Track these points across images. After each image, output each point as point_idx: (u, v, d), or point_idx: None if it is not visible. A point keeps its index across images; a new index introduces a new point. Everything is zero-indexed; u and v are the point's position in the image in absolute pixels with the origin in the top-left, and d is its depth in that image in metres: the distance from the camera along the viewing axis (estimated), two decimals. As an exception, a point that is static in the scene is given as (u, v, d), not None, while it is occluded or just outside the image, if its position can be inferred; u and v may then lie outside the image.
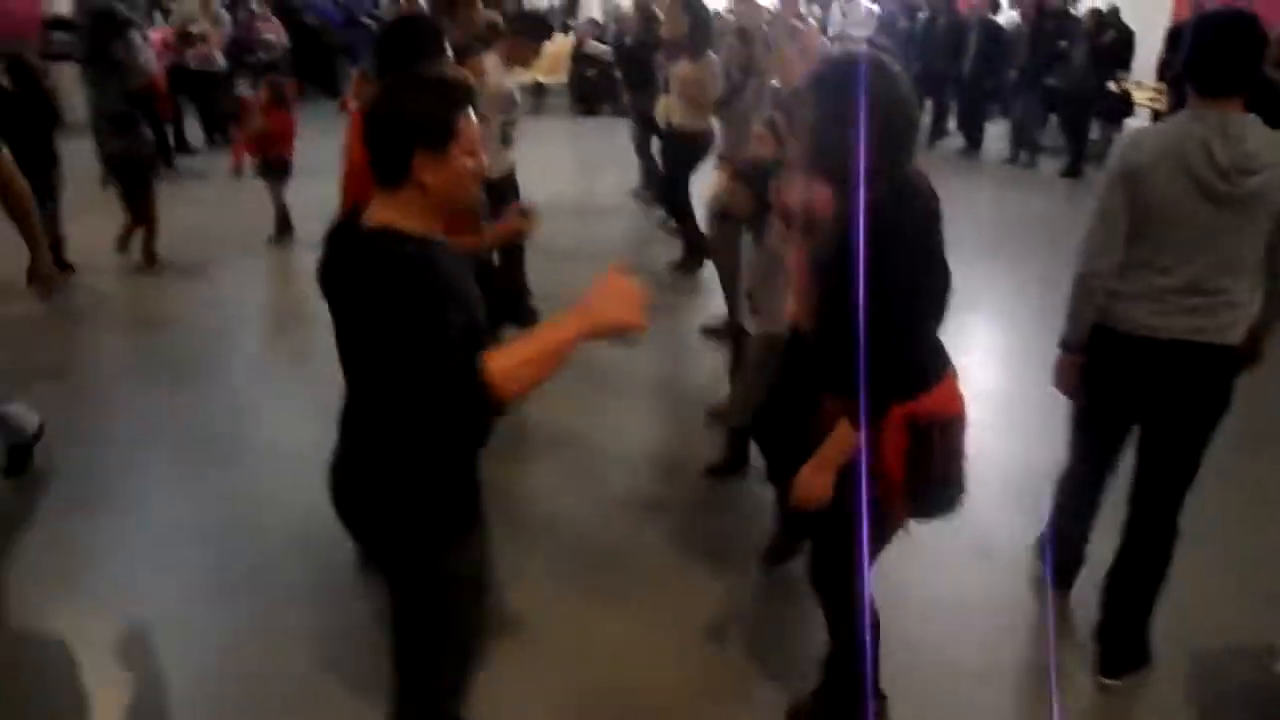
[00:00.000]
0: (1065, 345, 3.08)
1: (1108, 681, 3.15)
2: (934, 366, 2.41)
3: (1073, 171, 10.86)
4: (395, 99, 2.01)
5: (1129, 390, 3.03)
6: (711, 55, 6.51)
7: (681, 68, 6.63)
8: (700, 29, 6.56)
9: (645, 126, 8.92)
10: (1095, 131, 11.50)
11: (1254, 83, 2.76)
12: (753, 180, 3.92)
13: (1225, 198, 2.72)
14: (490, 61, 5.09)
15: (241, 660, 3.23)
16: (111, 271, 7.06)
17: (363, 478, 2.15)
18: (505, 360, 1.89)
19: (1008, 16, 13.21)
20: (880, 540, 2.56)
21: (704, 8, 6.83)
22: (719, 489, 4.31)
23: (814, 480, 2.41)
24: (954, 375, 2.46)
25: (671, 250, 7.44)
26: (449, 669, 2.33)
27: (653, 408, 5.19)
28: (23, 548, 3.84)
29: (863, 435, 2.34)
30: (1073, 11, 12.24)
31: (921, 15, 13.79)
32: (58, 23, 11.02)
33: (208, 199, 9.18)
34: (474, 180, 2.07)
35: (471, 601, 2.31)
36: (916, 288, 2.29)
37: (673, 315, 6.29)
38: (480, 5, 5.65)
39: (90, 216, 7.43)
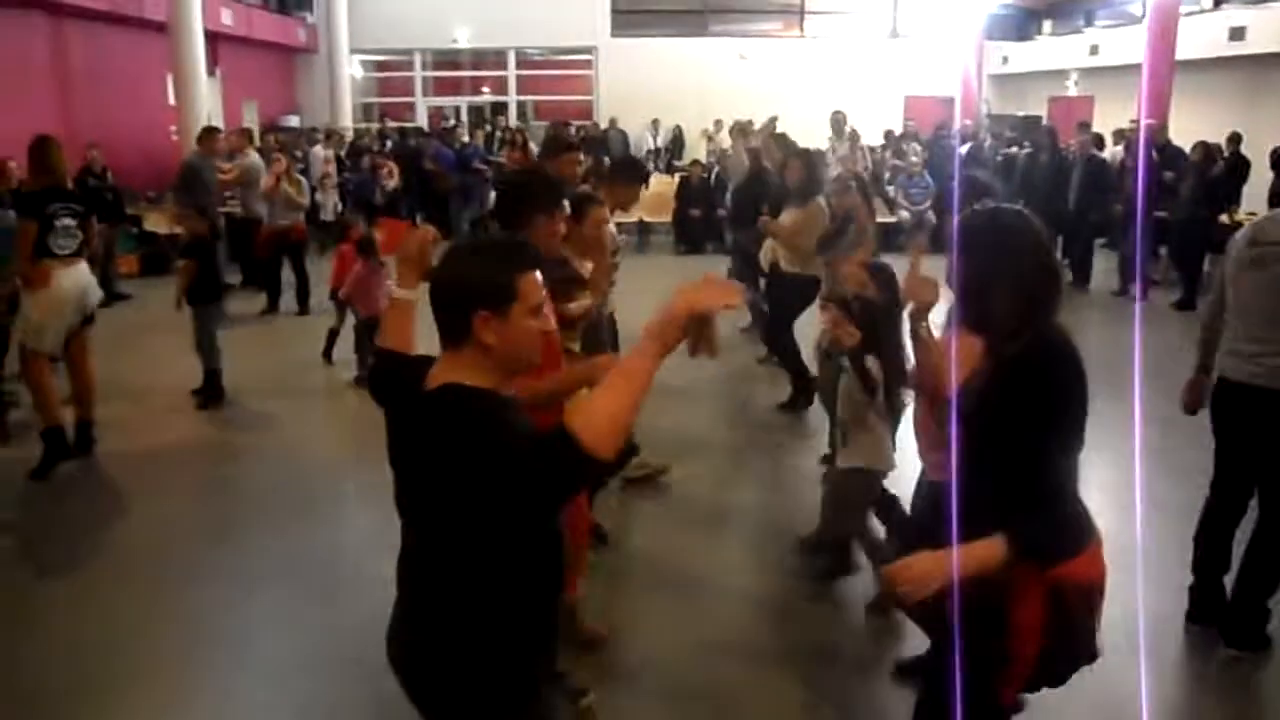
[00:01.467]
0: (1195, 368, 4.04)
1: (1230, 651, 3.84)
2: (1082, 530, 2.35)
3: (1186, 304, 10.62)
4: (456, 262, 2.07)
5: (1222, 425, 3.90)
6: (819, 202, 6.65)
7: (790, 214, 6.78)
8: (813, 179, 6.75)
9: (749, 265, 9.06)
10: (1208, 264, 11.28)
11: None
12: (855, 314, 3.99)
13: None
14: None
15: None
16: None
17: (427, 641, 2.12)
18: (588, 413, 1.82)
19: (1111, 152, 13.21)
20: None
21: (818, 158, 7.07)
22: (822, 630, 4.25)
23: (932, 569, 2.23)
24: (1099, 543, 2.39)
25: (777, 390, 7.47)
26: None
27: (757, 546, 5.13)
28: (137, 682, 3.95)
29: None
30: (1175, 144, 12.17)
31: (1022, 150, 13.86)
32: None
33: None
34: (539, 341, 2.08)
35: None
36: (1066, 445, 2.26)
37: (779, 454, 6.29)
38: (579, 155, 5.90)
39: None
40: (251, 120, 18.53)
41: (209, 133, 10.71)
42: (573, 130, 15.14)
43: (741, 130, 10.14)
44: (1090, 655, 2.40)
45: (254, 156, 11.19)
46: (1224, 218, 11.24)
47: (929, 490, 3.17)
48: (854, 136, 13.37)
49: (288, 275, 10.52)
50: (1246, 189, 12.06)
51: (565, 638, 4.11)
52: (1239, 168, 11.86)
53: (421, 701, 2.17)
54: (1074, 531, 2.32)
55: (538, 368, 2.13)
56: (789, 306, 7.08)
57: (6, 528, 5.40)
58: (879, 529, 4.56)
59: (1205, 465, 4.12)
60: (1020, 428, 2.18)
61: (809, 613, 4.42)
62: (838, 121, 12.99)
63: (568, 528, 3.90)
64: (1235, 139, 11.99)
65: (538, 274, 2.07)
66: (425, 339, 2.20)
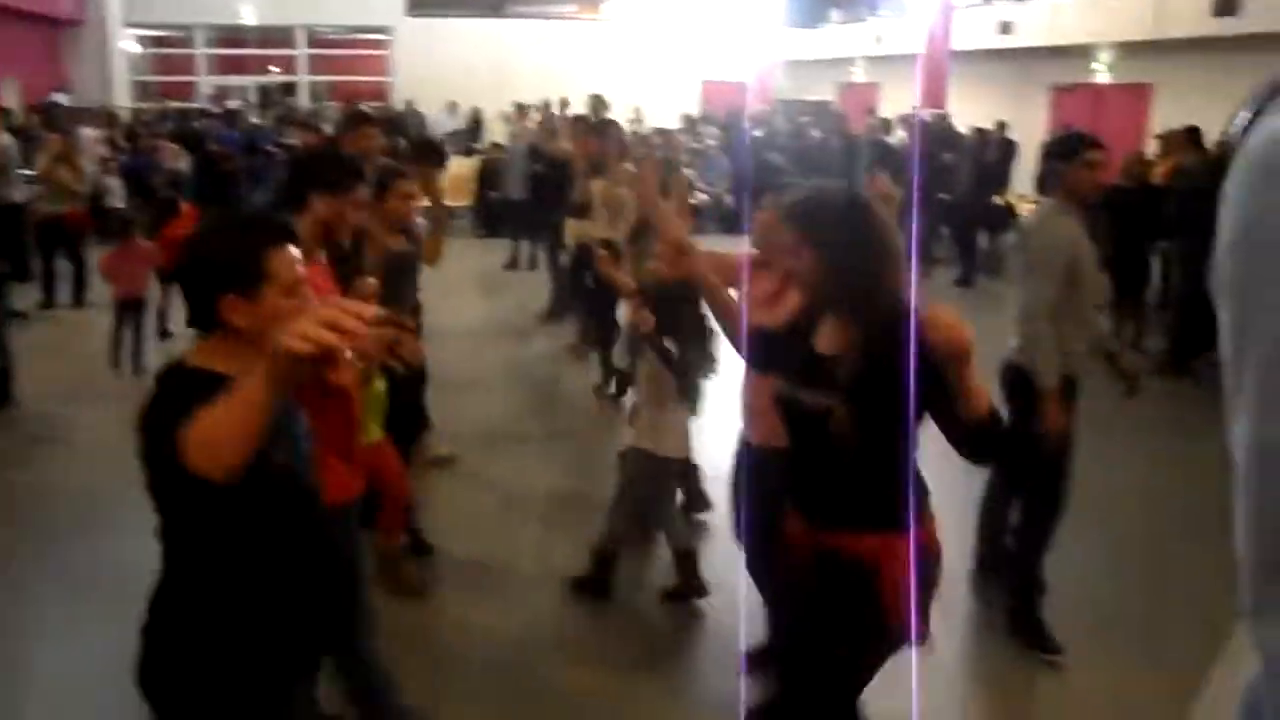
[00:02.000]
0: None
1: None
2: (927, 494, 2.45)
3: (965, 281, 11.25)
4: (200, 242, 1.93)
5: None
6: (628, 168, 6.68)
7: (596, 183, 6.78)
8: (612, 147, 6.77)
9: (550, 245, 9.07)
10: (984, 242, 11.99)
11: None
12: (654, 300, 4.01)
13: None
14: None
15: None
16: None
17: (160, 648, 1.99)
18: (196, 425, 1.64)
19: (898, 137, 13.85)
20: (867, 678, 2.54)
21: (615, 127, 7.09)
22: (642, 613, 4.27)
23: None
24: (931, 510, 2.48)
25: (586, 375, 7.48)
26: None
27: (570, 530, 5.11)
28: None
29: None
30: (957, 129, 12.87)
31: (814, 134, 14.36)
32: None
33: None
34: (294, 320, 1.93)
35: None
36: (919, 413, 2.30)
37: (588, 440, 6.27)
38: (377, 133, 5.72)
39: None
40: (12, 98, 17.10)
41: None
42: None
43: (520, 113, 10.08)
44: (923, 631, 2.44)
45: (5, 137, 10.30)
46: (997, 199, 11.95)
47: (760, 457, 3.22)
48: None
49: (63, 266, 9.76)
50: (1017, 172, 12.85)
51: (388, 586, 4.15)
52: (1008, 152, 12.65)
53: (160, 712, 2.02)
54: (923, 494, 2.41)
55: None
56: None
57: None
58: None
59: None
60: (901, 396, 2.19)
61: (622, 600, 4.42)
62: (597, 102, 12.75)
63: (382, 479, 3.88)
64: (1002, 125, 12.76)
65: (292, 249, 1.93)
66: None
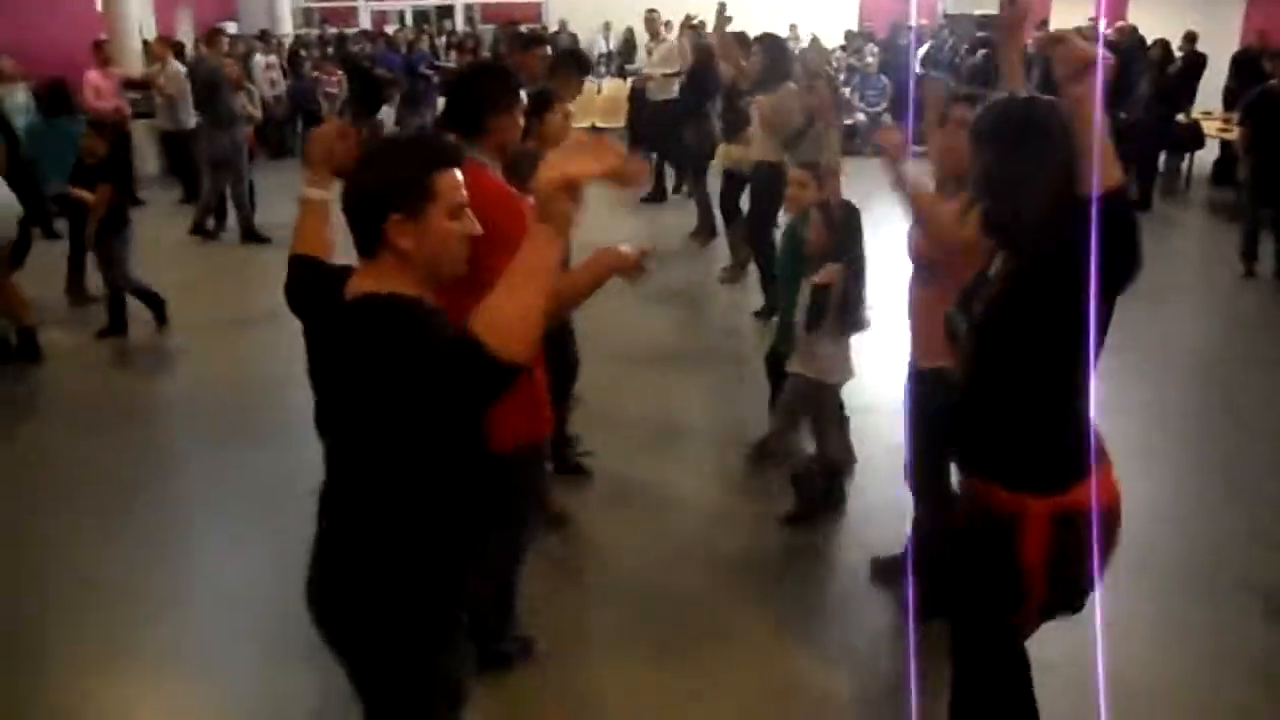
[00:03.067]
0: None
1: None
2: (1088, 455, 2.22)
3: (1142, 203, 10.62)
4: (366, 164, 1.91)
5: None
6: (790, 86, 6.49)
7: (761, 100, 6.60)
8: (778, 64, 6.58)
9: (696, 166, 8.93)
10: (1163, 163, 11.28)
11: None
12: (830, 221, 3.91)
13: None
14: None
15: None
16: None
17: (341, 573, 1.99)
18: (491, 315, 1.65)
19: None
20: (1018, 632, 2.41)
21: (778, 40, 6.88)
22: (790, 538, 4.24)
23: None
24: (1109, 466, 2.27)
25: (736, 298, 7.38)
26: None
27: (719, 454, 5.09)
28: (93, 597, 3.87)
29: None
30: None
31: (980, 52, 13.65)
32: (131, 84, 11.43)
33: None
34: (463, 245, 1.90)
35: (447, 708, 2.15)
36: (1078, 360, 2.10)
37: (739, 363, 6.20)
38: (546, 50, 5.69)
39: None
40: (187, 28, 17.79)
41: (215, 34, 10.36)
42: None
43: (691, 27, 9.84)
44: (1082, 597, 2.31)
45: (176, 65, 10.72)
46: (1180, 117, 11.18)
47: (933, 378, 3.09)
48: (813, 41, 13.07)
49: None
50: (1202, 88, 11.98)
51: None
52: (1194, 67, 11.78)
53: (331, 638, 2.04)
54: (1071, 454, 2.20)
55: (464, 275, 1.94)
56: (770, 199, 6.72)
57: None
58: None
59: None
60: (1045, 334, 2.06)
61: (765, 523, 4.38)
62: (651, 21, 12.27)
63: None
64: (1191, 37, 11.88)
65: (457, 172, 1.90)
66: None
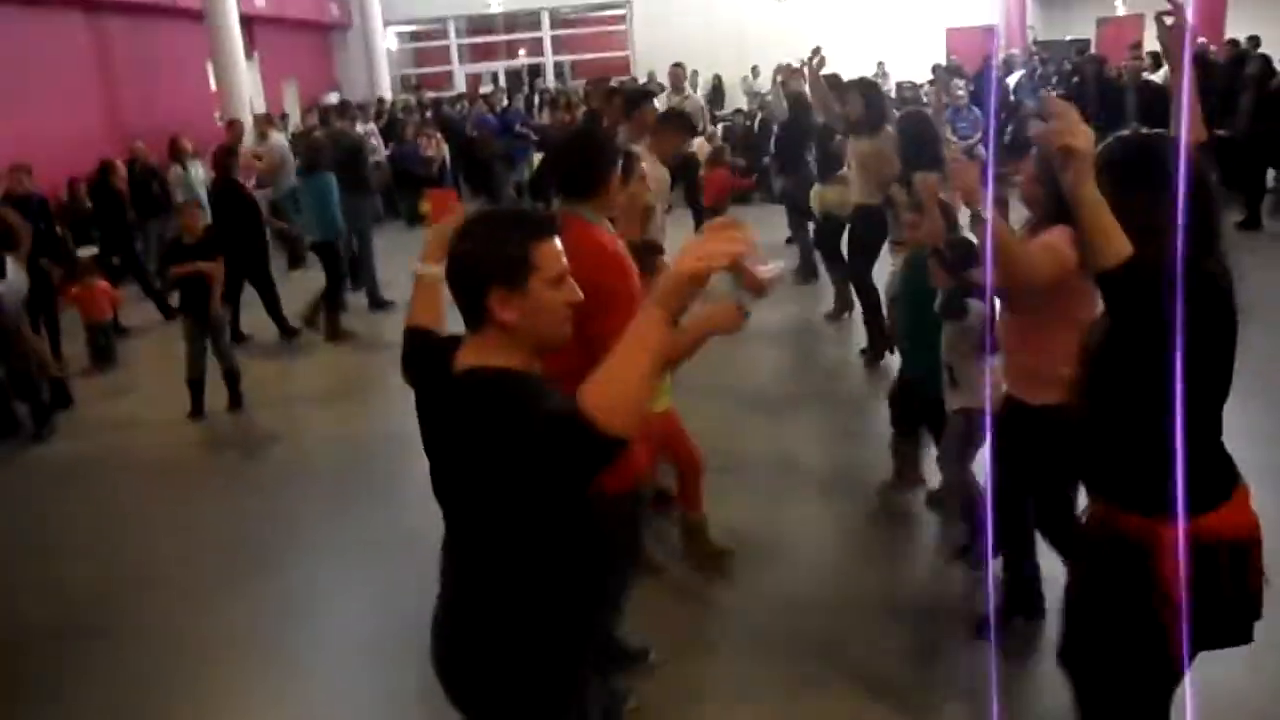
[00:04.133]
0: None
1: None
2: (1224, 480, 2.25)
3: (1251, 223, 10.35)
4: (467, 237, 1.95)
5: None
6: (889, 130, 6.55)
7: (860, 144, 6.68)
8: (875, 108, 6.64)
9: (798, 210, 8.99)
10: (1271, 180, 10.98)
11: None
12: (950, 258, 3.95)
13: None
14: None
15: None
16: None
17: (465, 635, 2.04)
18: (600, 389, 1.68)
19: (1164, 73, 12.83)
20: (1165, 682, 2.34)
21: (874, 86, 6.93)
22: (908, 581, 4.27)
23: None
24: (1245, 490, 2.28)
25: (841, 340, 7.45)
26: None
27: (830, 499, 5.12)
28: (225, 653, 4.07)
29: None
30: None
31: (1072, 80, 13.53)
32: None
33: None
34: (565, 314, 1.94)
35: None
36: (1215, 387, 2.16)
37: (850, 406, 6.25)
38: (654, 107, 5.85)
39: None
40: (293, 100, 18.63)
41: (345, 106, 11.34)
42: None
43: (785, 72, 9.95)
44: (1256, 612, 2.27)
45: (279, 137, 11.32)
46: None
47: (1032, 416, 3.16)
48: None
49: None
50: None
51: (692, 554, 4.35)
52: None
53: (460, 701, 2.09)
54: (1208, 479, 2.21)
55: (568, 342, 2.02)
56: (869, 242, 6.80)
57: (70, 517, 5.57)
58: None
59: None
60: (1159, 363, 2.06)
61: (891, 563, 4.43)
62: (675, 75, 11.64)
63: (676, 455, 4.01)
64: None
65: (556, 241, 1.95)
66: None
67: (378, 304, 9.62)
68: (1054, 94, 12.19)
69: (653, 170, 5.26)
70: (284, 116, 15.46)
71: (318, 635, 4.22)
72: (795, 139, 8.94)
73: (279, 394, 7.53)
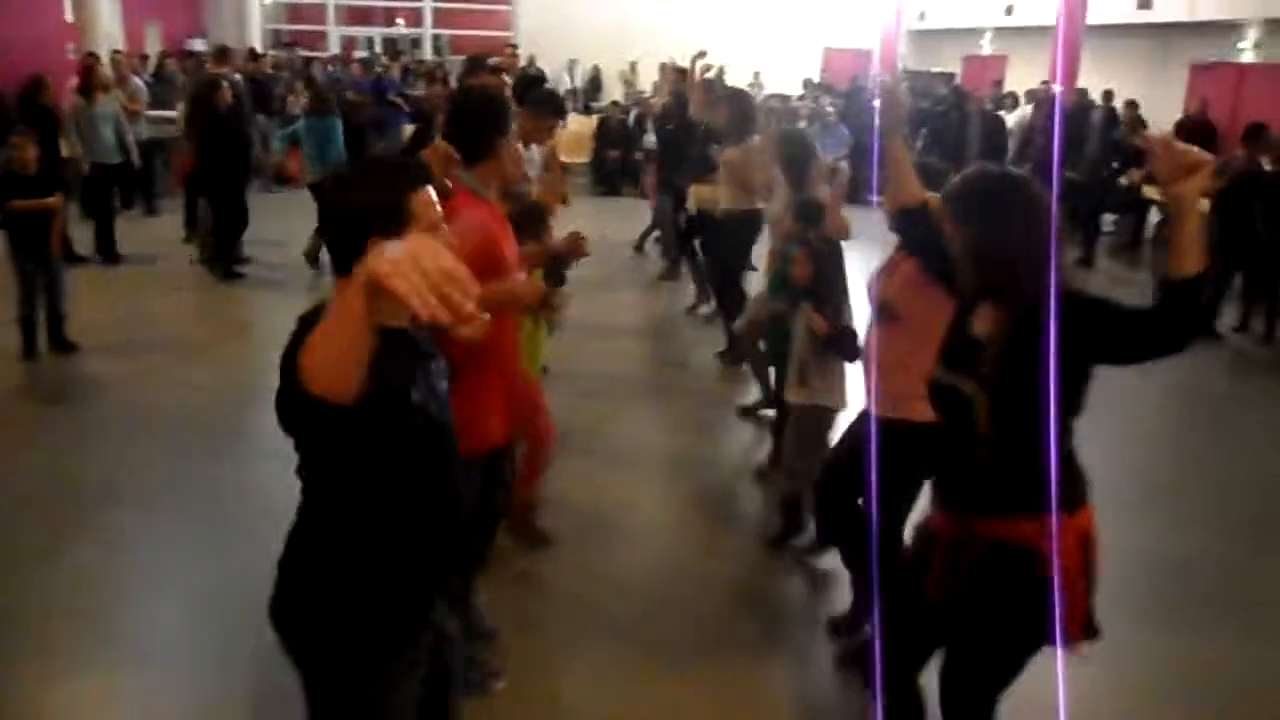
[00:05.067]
0: None
1: None
2: (1085, 483, 2.43)
3: (1086, 261, 11.01)
4: (343, 189, 1.98)
5: None
6: (756, 139, 6.71)
7: (727, 153, 6.83)
8: (740, 117, 6.79)
9: (678, 204, 9.15)
10: (1107, 224, 11.71)
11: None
12: (812, 254, 4.12)
13: None
14: None
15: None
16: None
17: (301, 581, 2.07)
18: (306, 350, 1.70)
19: (1021, 112, 13.55)
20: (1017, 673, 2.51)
21: (744, 97, 7.10)
22: (772, 559, 4.46)
23: None
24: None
25: (703, 337, 7.62)
26: None
27: (692, 482, 5.26)
28: (55, 599, 3.92)
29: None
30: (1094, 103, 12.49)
31: (927, 104, 14.12)
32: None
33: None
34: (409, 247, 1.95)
35: None
36: (1080, 400, 2.32)
37: (706, 399, 6.42)
38: (504, 78, 5.84)
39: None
40: (154, 41, 17.80)
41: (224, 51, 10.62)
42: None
43: (676, 71, 10.04)
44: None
45: (137, 80, 10.90)
46: (1123, 179, 11.60)
47: (896, 432, 3.26)
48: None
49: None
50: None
51: (519, 533, 4.31)
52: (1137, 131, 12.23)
53: (292, 648, 2.11)
54: (1079, 482, 2.39)
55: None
56: (739, 245, 6.97)
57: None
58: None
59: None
60: (1043, 382, 2.20)
61: (730, 546, 4.58)
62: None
63: (529, 429, 4.02)
64: (1132, 105, 12.34)
65: (430, 190, 1.98)
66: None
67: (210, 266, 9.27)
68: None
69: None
70: (144, 58, 14.74)
71: (144, 595, 4.09)
72: (679, 137, 9.08)
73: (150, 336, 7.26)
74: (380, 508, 2.03)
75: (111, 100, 9.42)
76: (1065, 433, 2.34)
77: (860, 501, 3.49)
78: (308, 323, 1.85)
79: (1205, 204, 8.46)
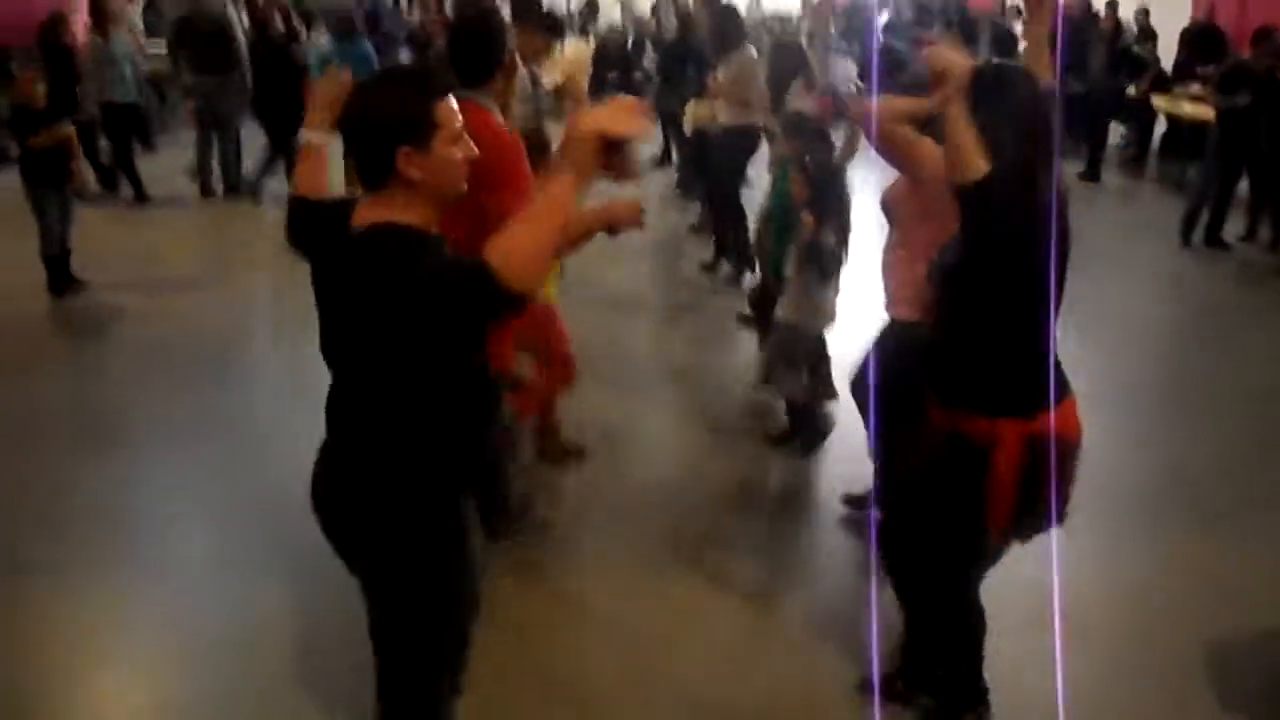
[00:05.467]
0: None
1: None
2: (1055, 386, 2.45)
3: (1091, 175, 10.92)
4: (368, 98, 1.98)
5: None
6: (748, 52, 6.65)
7: (720, 72, 6.78)
8: (728, 29, 6.73)
9: (675, 127, 9.10)
10: (1114, 135, 11.58)
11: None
12: (809, 171, 4.14)
13: None
14: None
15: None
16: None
17: (351, 478, 2.09)
18: (507, 246, 1.77)
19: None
20: (981, 557, 2.64)
21: (726, 10, 7.03)
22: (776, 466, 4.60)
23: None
24: (1073, 400, 2.51)
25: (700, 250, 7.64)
26: (431, 681, 2.26)
27: (694, 400, 5.35)
28: (72, 531, 4.01)
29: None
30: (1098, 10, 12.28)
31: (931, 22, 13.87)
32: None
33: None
34: (463, 169, 1.99)
35: (460, 618, 2.26)
36: (1046, 298, 2.34)
37: (717, 313, 6.51)
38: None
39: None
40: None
41: None
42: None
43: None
44: (1060, 517, 2.52)
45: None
46: (1130, 89, 11.46)
47: (902, 332, 3.33)
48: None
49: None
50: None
51: (548, 453, 4.44)
52: (1146, 40, 12.07)
53: (342, 542, 2.15)
54: (1039, 384, 2.42)
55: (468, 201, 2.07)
56: (734, 161, 6.98)
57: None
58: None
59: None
60: (1010, 279, 2.27)
61: (743, 457, 4.67)
62: None
63: (548, 353, 4.07)
64: (1145, 13, 12.16)
65: (452, 99, 2.00)
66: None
67: (242, 188, 9.28)
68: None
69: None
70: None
71: (156, 513, 4.18)
72: (680, 56, 8.99)
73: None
74: (435, 399, 2.04)
75: (124, 36, 9.14)
76: (1028, 333, 2.37)
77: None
78: (398, 246, 1.89)
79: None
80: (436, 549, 2.14)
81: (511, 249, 1.75)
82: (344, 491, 2.12)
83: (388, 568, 2.13)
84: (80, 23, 9.95)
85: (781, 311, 4.44)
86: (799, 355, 4.41)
